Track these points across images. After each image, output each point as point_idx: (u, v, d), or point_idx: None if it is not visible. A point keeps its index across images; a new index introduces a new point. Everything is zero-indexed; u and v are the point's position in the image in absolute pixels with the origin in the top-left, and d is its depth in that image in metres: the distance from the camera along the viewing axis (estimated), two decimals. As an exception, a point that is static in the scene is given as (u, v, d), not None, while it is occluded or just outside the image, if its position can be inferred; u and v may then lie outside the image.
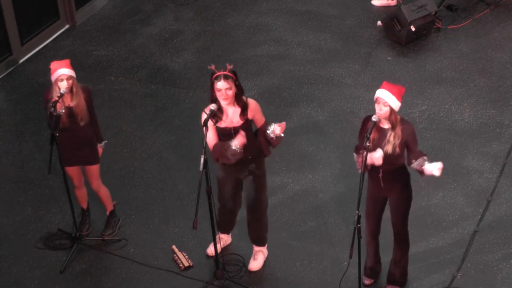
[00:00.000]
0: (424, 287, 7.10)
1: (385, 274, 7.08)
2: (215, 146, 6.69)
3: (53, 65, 7.09)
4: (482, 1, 11.00)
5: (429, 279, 7.16)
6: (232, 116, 6.72)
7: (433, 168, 6.38)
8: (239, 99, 6.67)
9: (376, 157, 6.35)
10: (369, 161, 6.35)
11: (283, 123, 6.69)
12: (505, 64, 9.84)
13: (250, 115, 6.73)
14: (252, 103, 6.75)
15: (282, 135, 6.74)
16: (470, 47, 10.20)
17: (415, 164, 6.47)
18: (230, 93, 6.58)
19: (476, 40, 10.33)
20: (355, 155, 6.59)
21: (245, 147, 6.63)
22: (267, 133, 6.73)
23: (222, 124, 6.73)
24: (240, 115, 6.71)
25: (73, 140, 7.25)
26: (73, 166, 7.42)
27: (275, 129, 6.69)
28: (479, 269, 7.24)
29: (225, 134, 6.73)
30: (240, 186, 7.12)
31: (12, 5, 10.06)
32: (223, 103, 6.64)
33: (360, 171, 6.33)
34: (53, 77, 7.06)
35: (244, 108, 6.70)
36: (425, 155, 6.45)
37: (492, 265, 7.27)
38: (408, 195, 6.67)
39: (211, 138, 6.71)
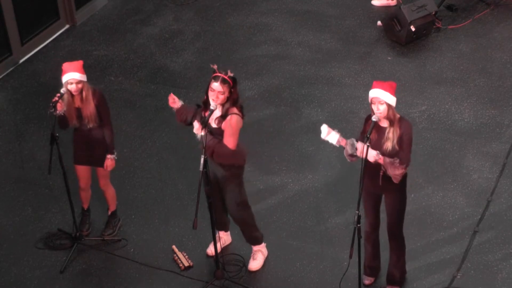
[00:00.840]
0: (424, 287, 7.09)
1: (385, 273, 7.08)
2: (185, 108, 6.95)
3: (65, 66, 7.06)
4: (482, 1, 11.00)
5: (429, 279, 7.16)
6: (212, 114, 6.73)
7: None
8: (227, 106, 6.67)
9: (372, 154, 6.31)
10: (360, 153, 6.32)
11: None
12: (505, 64, 9.84)
13: (223, 126, 6.74)
14: (230, 119, 6.68)
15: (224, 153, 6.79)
16: (470, 47, 10.20)
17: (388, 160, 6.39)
18: (221, 97, 6.62)
19: (476, 40, 10.33)
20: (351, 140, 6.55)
21: (206, 151, 6.69)
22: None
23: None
24: (216, 119, 6.72)
25: (84, 140, 7.30)
26: (84, 166, 7.45)
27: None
28: (479, 269, 7.23)
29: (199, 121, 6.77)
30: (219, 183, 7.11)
31: (12, 5, 10.05)
32: (211, 102, 6.68)
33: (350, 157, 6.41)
34: (63, 79, 7.04)
35: (222, 117, 6.70)
36: (400, 161, 6.35)
37: (492, 265, 7.27)
38: (403, 195, 6.65)
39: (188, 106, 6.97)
